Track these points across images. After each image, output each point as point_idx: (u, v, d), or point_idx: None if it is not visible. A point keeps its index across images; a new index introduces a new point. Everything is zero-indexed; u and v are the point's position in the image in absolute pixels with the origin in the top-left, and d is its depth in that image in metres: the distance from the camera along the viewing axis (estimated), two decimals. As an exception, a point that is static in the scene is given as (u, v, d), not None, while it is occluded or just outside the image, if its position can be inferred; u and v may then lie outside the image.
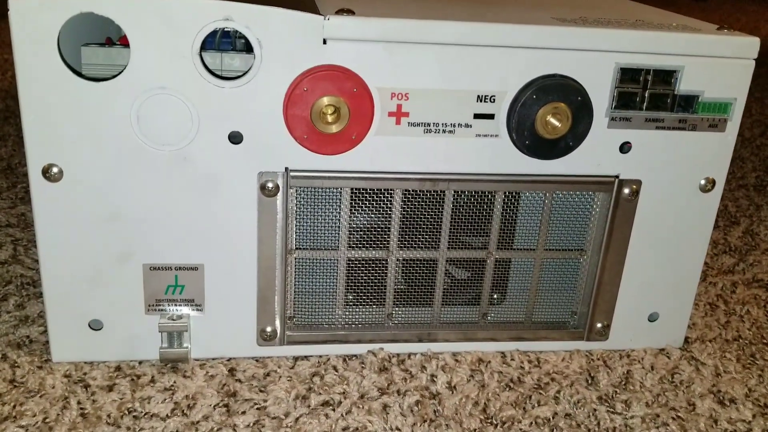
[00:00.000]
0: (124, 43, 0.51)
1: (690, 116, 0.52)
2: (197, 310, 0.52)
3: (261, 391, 0.50)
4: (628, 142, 0.52)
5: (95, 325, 0.52)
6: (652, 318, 0.58)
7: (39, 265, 0.50)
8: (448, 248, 0.54)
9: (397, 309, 0.56)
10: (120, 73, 0.46)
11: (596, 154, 0.52)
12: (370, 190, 0.52)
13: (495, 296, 0.58)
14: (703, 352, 0.58)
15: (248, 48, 0.50)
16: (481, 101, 0.50)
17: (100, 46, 0.50)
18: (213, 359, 0.53)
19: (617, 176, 0.53)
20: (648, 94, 0.51)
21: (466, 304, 0.57)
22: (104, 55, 0.50)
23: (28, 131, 0.46)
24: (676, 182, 0.54)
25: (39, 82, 0.45)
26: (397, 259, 0.54)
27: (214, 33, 0.47)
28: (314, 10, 0.47)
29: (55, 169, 0.47)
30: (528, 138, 0.50)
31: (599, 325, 0.57)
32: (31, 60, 0.45)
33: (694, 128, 0.52)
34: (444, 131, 0.50)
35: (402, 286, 0.56)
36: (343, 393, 0.50)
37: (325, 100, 0.47)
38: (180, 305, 0.52)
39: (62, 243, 0.49)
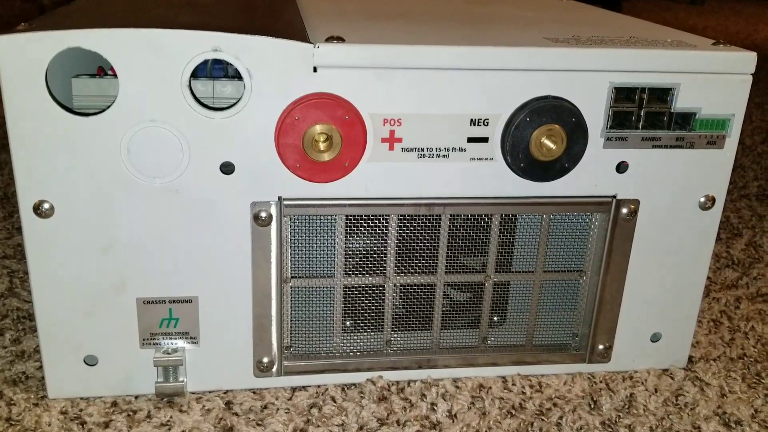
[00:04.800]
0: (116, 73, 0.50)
1: (687, 134, 0.51)
2: (192, 343, 0.52)
3: (258, 424, 0.49)
4: (624, 162, 0.51)
5: (90, 361, 0.51)
6: (655, 338, 0.57)
7: (33, 298, 0.49)
8: (446, 272, 0.53)
9: (395, 335, 0.55)
10: (109, 107, 0.46)
11: (593, 175, 0.51)
12: (365, 216, 0.51)
13: (495, 319, 0.57)
14: (707, 371, 0.57)
15: (240, 74, 0.49)
16: (474, 125, 0.49)
17: (91, 77, 0.50)
18: (209, 392, 0.53)
19: (614, 196, 0.52)
20: (644, 112, 0.50)
21: (466, 327, 0.56)
22: (95, 86, 0.50)
23: (17, 168, 0.46)
24: (675, 201, 0.53)
25: (28, 118, 0.45)
26: (395, 285, 0.54)
27: (205, 60, 0.47)
28: (304, 38, 0.47)
29: (46, 205, 0.47)
30: (523, 161, 0.49)
31: (601, 346, 0.56)
32: (20, 96, 0.44)
33: (691, 146, 0.52)
34: (438, 156, 0.49)
35: (400, 311, 0.55)
36: (342, 425, 0.49)
37: (317, 128, 0.47)
38: (175, 338, 0.51)
39: (55, 279, 0.49)
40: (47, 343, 0.50)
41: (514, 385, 0.54)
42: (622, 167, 0.51)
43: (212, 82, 0.51)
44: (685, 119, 0.51)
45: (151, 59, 0.45)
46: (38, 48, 0.44)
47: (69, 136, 0.46)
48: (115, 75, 0.49)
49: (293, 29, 0.50)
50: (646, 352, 0.57)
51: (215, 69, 0.51)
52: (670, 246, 0.54)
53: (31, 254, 0.48)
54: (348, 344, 0.55)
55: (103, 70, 0.53)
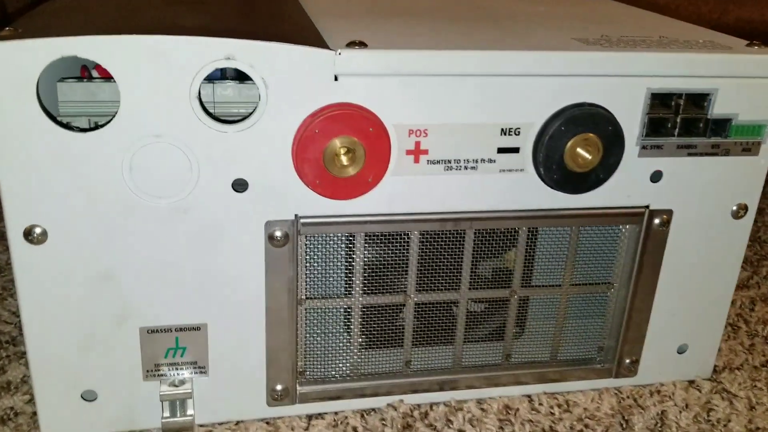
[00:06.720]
0: (104, 74, 0.46)
1: (723, 141, 0.49)
2: (201, 372, 0.48)
3: (279, 461, 0.46)
4: (659, 171, 0.49)
5: (88, 396, 0.47)
6: (681, 350, 0.55)
7: (23, 331, 0.45)
8: (470, 288, 0.50)
9: (415, 355, 0.52)
10: (109, 122, 0.41)
11: (626, 185, 0.49)
12: (387, 233, 0.48)
13: (513, 330, 0.54)
14: (733, 382, 0.56)
15: (241, 76, 0.45)
16: (505, 134, 0.46)
17: (78, 81, 0.45)
18: (219, 424, 0.49)
19: (647, 206, 0.50)
20: (680, 119, 0.48)
21: (485, 340, 0.53)
22: (83, 91, 0.45)
23: (5, 190, 0.41)
24: (708, 210, 0.51)
25: (17, 135, 0.40)
26: (416, 303, 0.50)
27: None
28: (321, 43, 0.43)
29: (38, 230, 0.42)
30: (556, 172, 0.46)
31: (628, 360, 0.54)
32: (7, 110, 0.40)
33: (726, 153, 0.49)
34: (466, 168, 0.46)
35: (420, 330, 0.52)
36: (369, 459, 0.46)
37: (339, 141, 0.43)
38: (182, 369, 0.47)
39: (49, 309, 0.44)
40: (40, 378, 0.46)
41: (541, 404, 0.52)
42: (656, 176, 0.49)
43: (212, 85, 0.46)
44: (720, 125, 0.49)
45: (157, 69, 0.40)
46: (28, 57, 0.39)
47: (64, 154, 0.41)
48: (103, 77, 0.44)
49: (308, 34, 0.46)
50: (672, 365, 0.55)
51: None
52: (701, 256, 0.52)
53: (22, 283, 0.43)
54: (366, 367, 0.51)
55: (87, 70, 0.48)
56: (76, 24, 0.43)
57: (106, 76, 0.45)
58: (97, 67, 0.48)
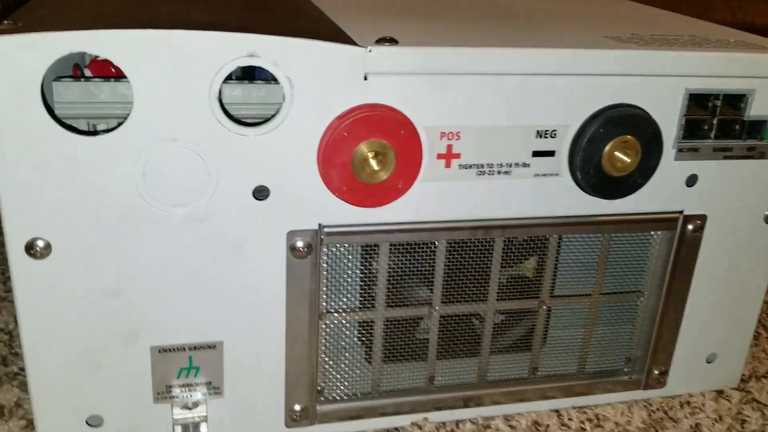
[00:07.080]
0: (98, 72, 0.42)
1: (758, 143, 0.47)
2: (215, 393, 0.44)
3: (304, 489, 0.43)
4: (694, 175, 0.47)
5: (94, 422, 0.43)
6: (710, 359, 0.53)
7: (23, 351, 0.41)
8: (497, 299, 0.48)
9: (439, 370, 0.49)
10: (120, 124, 0.38)
11: (661, 189, 0.46)
12: (413, 243, 0.45)
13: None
14: (761, 391, 0.54)
15: (250, 75, 0.42)
16: (540, 137, 0.43)
17: (75, 80, 0.42)
18: (236, 448, 0.46)
19: (681, 212, 0.48)
20: (717, 121, 0.46)
21: (509, 352, 0.50)
22: (81, 91, 0.42)
23: (5, 200, 0.37)
24: (741, 215, 0.49)
25: (19, 140, 0.36)
26: (441, 316, 0.48)
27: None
28: (349, 40, 0.40)
29: (40, 244, 0.39)
30: (594, 177, 0.44)
31: (657, 371, 0.52)
32: (9, 112, 0.36)
33: (762, 156, 0.48)
34: (499, 172, 0.44)
35: (445, 343, 0.49)
36: (401, 484, 0.43)
37: (369, 145, 0.40)
38: (195, 390, 0.44)
39: (51, 328, 0.40)
40: (41, 402, 0.42)
41: (570, 420, 0.49)
42: (691, 181, 0.47)
43: (220, 86, 0.43)
44: (755, 127, 0.47)
45: (174, 67, 0.37)
46: (32, 53, 0.35)
47: (70, 159, 0.37)
48: (99, 76, 0.41)
49: (332, 30, 0.43)
50: (700, 375, 0.53)
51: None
52: (733, 262, 0.50)
53: (23, 301, 0.40)
54: (388, 383, 0.48)
55: (79, 69, 0.45)
56: (82, 18, 0.40)
57: (103, 75, 0.42)
58: (91, 65, 0.44)
